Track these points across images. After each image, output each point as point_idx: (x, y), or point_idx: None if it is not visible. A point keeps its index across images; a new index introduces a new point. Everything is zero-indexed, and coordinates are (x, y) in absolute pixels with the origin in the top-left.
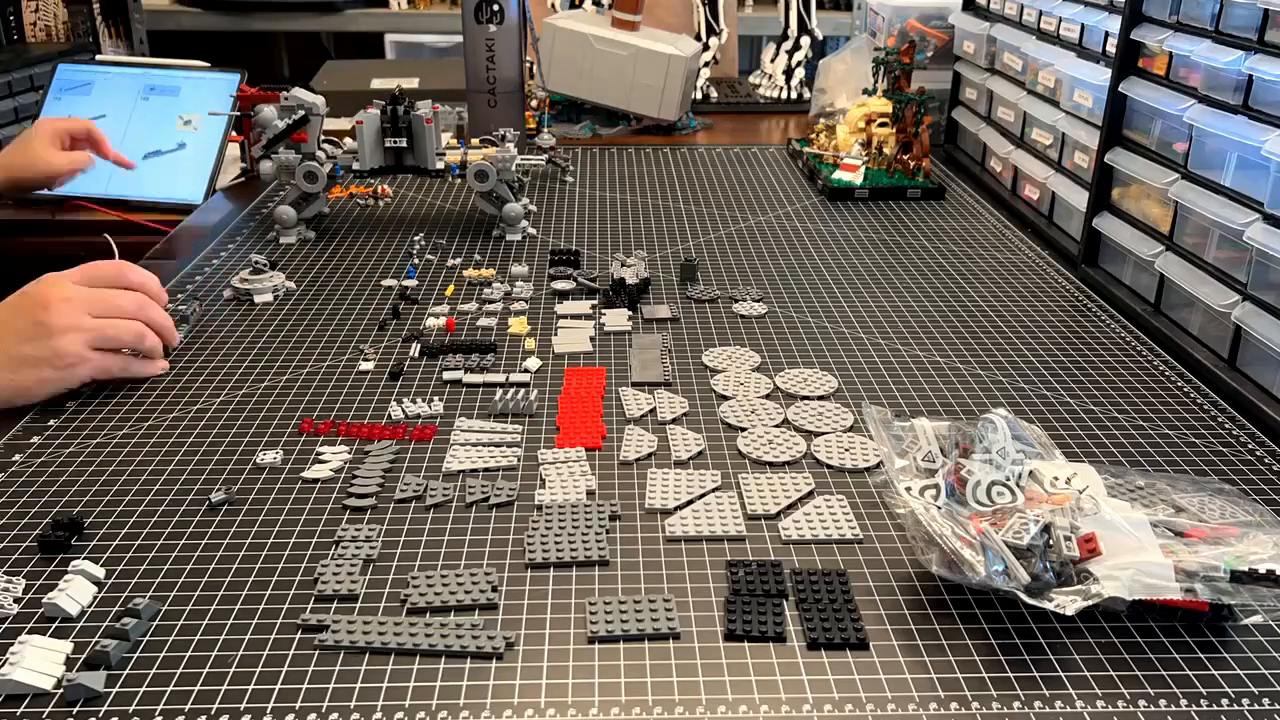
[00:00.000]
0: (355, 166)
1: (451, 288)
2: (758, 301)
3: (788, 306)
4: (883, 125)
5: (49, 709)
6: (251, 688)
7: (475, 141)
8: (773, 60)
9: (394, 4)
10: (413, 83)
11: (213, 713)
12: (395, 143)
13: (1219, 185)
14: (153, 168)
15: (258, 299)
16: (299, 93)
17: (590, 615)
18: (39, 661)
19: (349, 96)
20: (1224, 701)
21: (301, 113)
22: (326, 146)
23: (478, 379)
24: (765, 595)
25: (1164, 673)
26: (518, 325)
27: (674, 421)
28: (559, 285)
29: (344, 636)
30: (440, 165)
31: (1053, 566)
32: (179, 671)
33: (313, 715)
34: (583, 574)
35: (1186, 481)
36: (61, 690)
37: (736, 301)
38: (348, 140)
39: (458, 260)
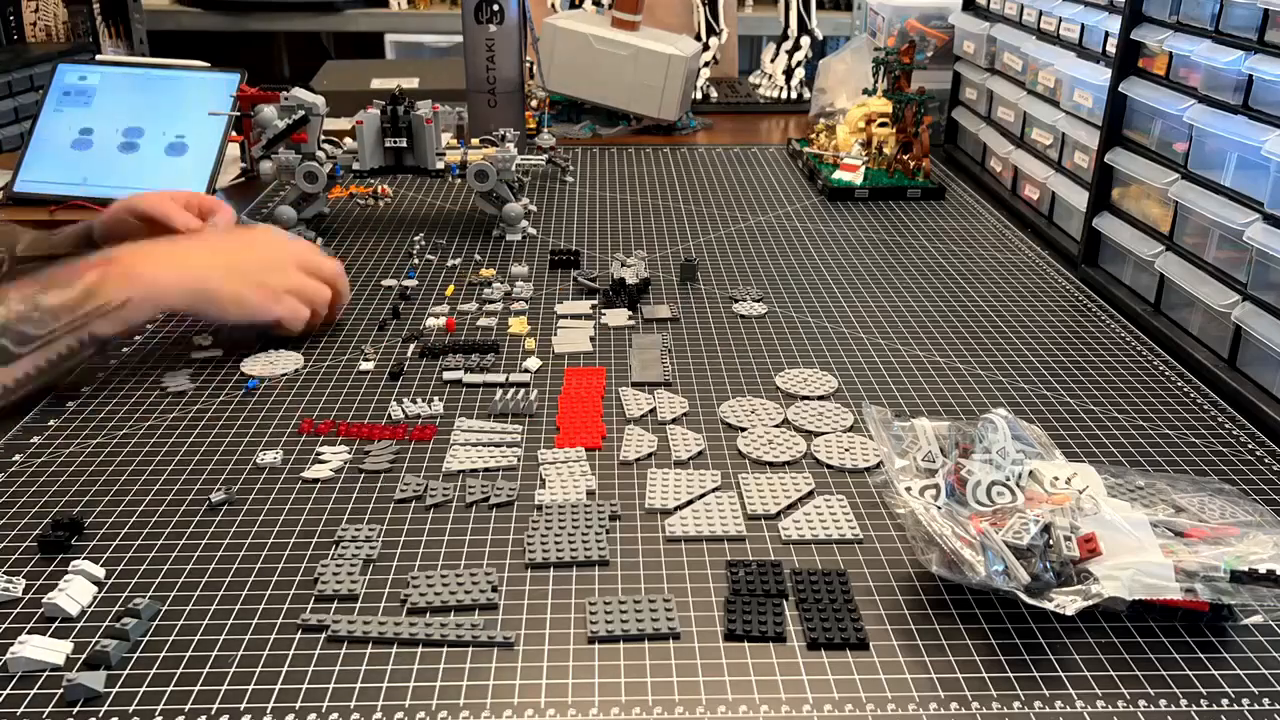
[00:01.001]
0: (355, 166)
1: (451, 288)
2: (758, 301)
3: (788, 306)
4: (883, 125)
5: (49, 709)
6: (251, 688)
7: (475, 141)
8: (773, 60)
9: (394, 4)
10: (413, 83)
11: (213, 713)
12: (395, 143)
13: (1219, 185)
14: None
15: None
16: (299, 93)
17: (590, 615)
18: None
19: (349, 96)
20: (1224, 701)
21: (301, 113)
22: (326, 146)
23: (478, 379)
24: (765, 595)
25: (1164, 673)
26: (518, 325)
27: (674, 421)
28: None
29: (354, 628)
30: (440, 165)
31: (1053, 566)
32: (179, 671)
33: (313, 715)
34: (583, 574)
35: (1186, 481)
36: (62, 690)
37: (736, 301)
38: (348, 140)
39: (458, 260)
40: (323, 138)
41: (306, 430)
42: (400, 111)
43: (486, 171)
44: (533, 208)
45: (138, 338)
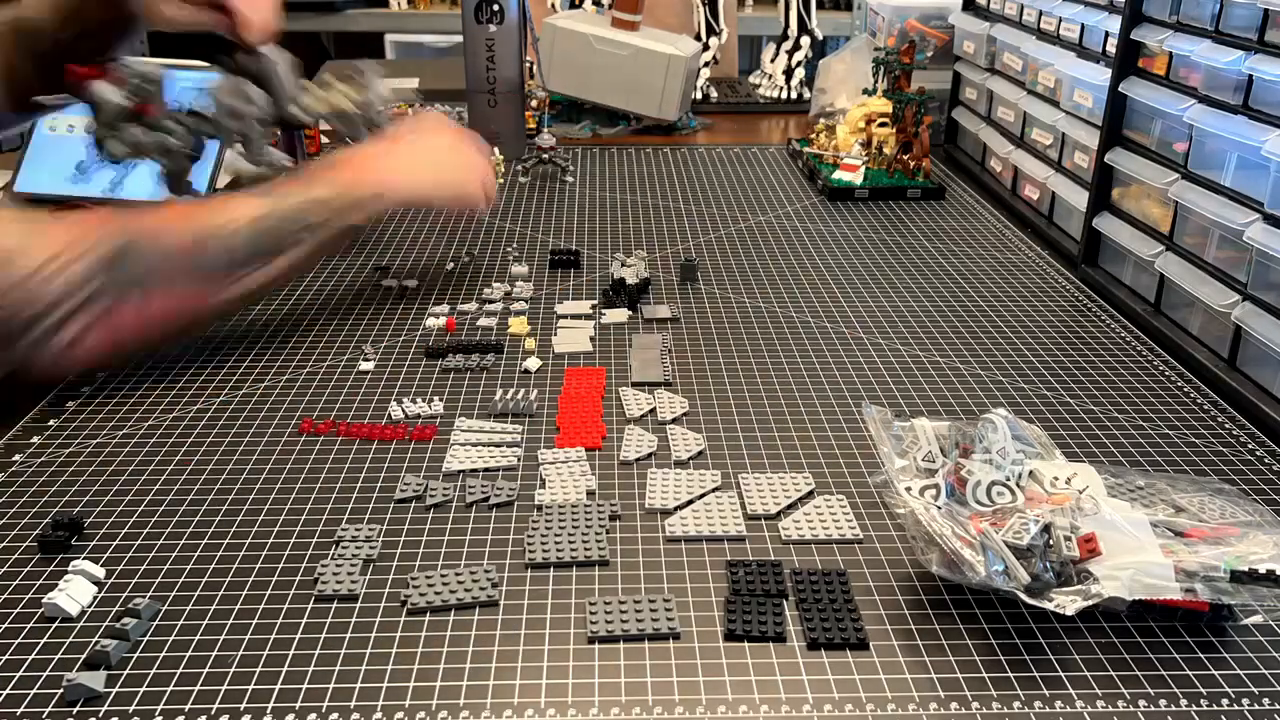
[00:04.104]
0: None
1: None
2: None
3: (788, 306)
4: (883, 125)
5: (49, 709)
6: (251, 688)
7: (328, 78)
8: (773, 60)
9: (394, 4)
10: (413, 83)
11: (213, 713)
12: None
13: (1219, 185)
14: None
15: None
16: (132, 62)
17: (590, 615)
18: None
19: None
20: (1224, 701)
21: (137, 83)
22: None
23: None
24: (765, 595)
25: (1164, 673)
26: (518, 325)
27: (674, 421)
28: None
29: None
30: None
31: (1053, 566)
32: (179, 671)
33: (313, 715)
34: (583, 574)
35: (1186, 481)
36: (62, 690)
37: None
38: None
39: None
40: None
41: (306, 430)
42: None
43: (350, 116)
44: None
45: None
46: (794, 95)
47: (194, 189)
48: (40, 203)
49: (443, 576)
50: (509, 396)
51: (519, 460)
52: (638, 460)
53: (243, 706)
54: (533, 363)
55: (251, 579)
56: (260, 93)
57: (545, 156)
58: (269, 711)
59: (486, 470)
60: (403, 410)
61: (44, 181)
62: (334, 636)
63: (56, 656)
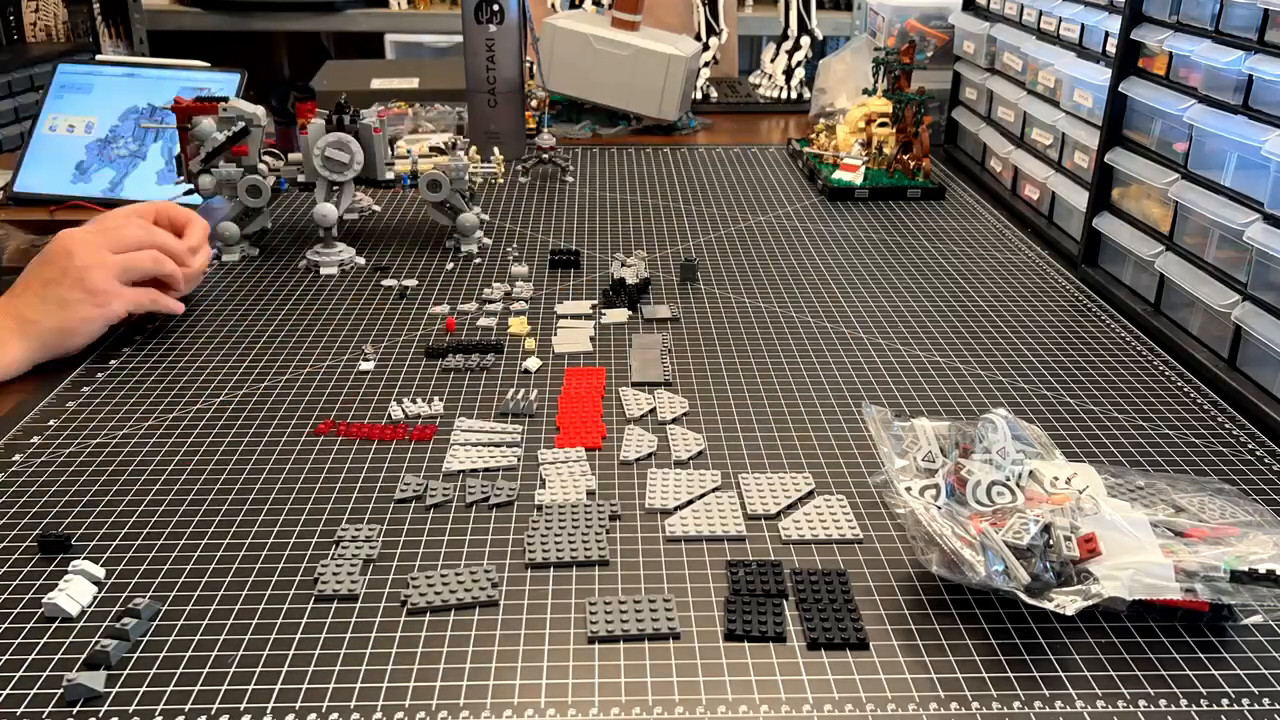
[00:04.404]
0: (300, 179)
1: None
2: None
3: (788, 306)
4: (883, 125)
5: (49, 709)
6: (251, 688)
7: (423, 149)
8: (773, 60)
9: (394, 4)
10: (413, 83)
11: (213, 713)
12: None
13: (1219, 185)
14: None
15: (324, 270)
16: (238, 104)
17: (590, 615)
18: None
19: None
20: (1224, 701)
21: (241, 124)
22: (268, 159)
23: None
24: (765, 595)
25: (1164, 673)
26: (518, 325)
27: (674, 421)
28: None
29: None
30: (390, 175)
31: (1053, 566)
32: (179, 671)
33: (313, 715)
34: (583, 574)
35: (1186, 481)
36: (62, 690)
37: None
38: (293, 155)
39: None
40: (264, 150)
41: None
42: (347, 121)
43: (439, 181)
44: (485, 216)
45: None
46: (794, 95)
47: (265, 224)
48: (40, 203)
49: (443, 576)
50: (518, 397)
51: (519, 460)
52: (638, 460)
53: (243, 706)
54: (533, 362)
55: (251, 579)
56: (359, 150)
57: (545, 156)
58: (269, 711)
59: (486, 470)
60: (403, 410)
61: (43, 181)
62: (334, 636)
63: (56, 656)
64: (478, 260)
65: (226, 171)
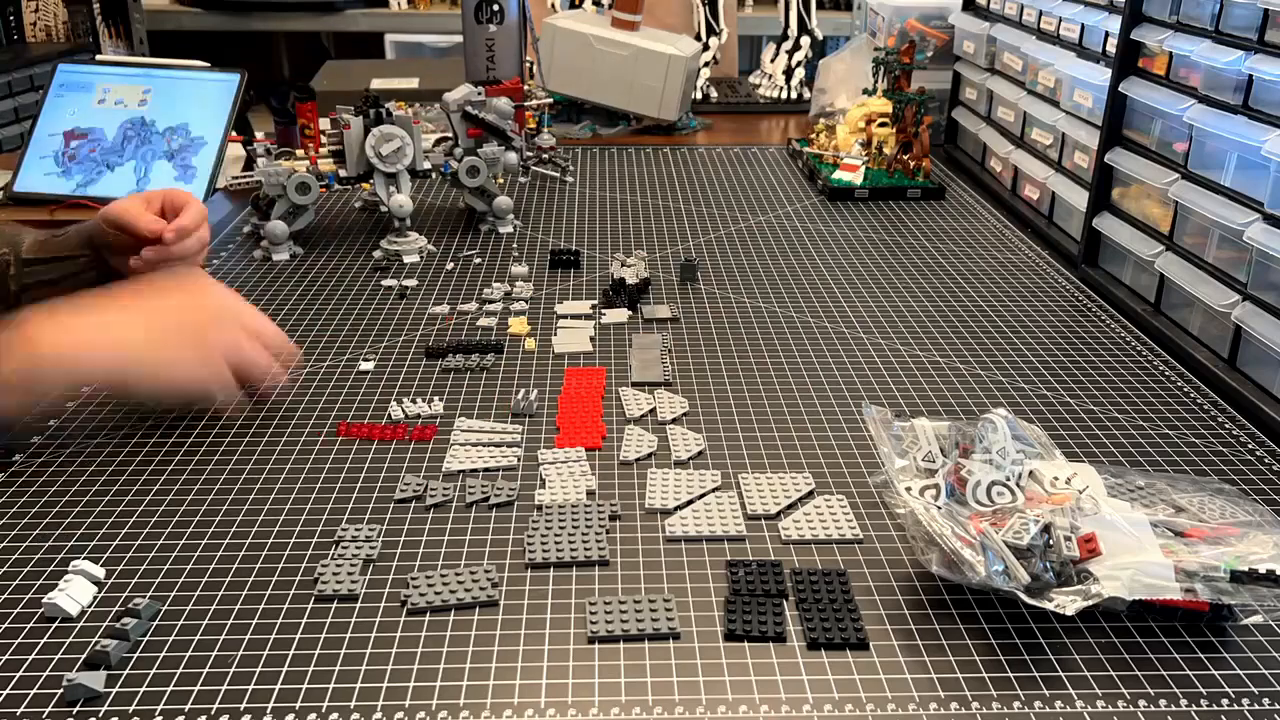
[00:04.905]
0: (342, 173)
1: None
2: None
3: (788, 306)
4: (883, 125)
5: (49, 709)
6: (251, 688)
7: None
8: (773, 60)
9: (394, 4)
10: (413, 83)
11: (213, 713)
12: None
13: (1219, 185)
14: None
15: (406, 259)
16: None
17: (590, 615)
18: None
19: (349, 97)
20: (1224, 701)
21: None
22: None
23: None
24: (765, 595)
25: (1164, 673)
26: (518, 325)
27: (674, 421)
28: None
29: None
30: (428, 165)
31: (1053, 566)
32: (179, 671)
33: (313, 715)
34: (583, 574)
35: (1186, 481)
36: (62, 690)
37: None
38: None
39: (453, 265)
40: (278, 150)
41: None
42: (384, 114)
43: (477, 167)
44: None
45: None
46: (794, 95)
47: (308, 217)
48: (40, 203)
49: (443, 576)
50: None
51: (519, 460)
52: (638, 460)
53: (243, 706)
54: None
55: (251, 579)
56: (409, 138)
57: (545, 156)
58: (269, 711)
59: (486, 470)
60: (403, 410)
61: (43, 181)
62: (334, 636)
63: (56, 656)
64: (478, 260)
65: (274, 170)
